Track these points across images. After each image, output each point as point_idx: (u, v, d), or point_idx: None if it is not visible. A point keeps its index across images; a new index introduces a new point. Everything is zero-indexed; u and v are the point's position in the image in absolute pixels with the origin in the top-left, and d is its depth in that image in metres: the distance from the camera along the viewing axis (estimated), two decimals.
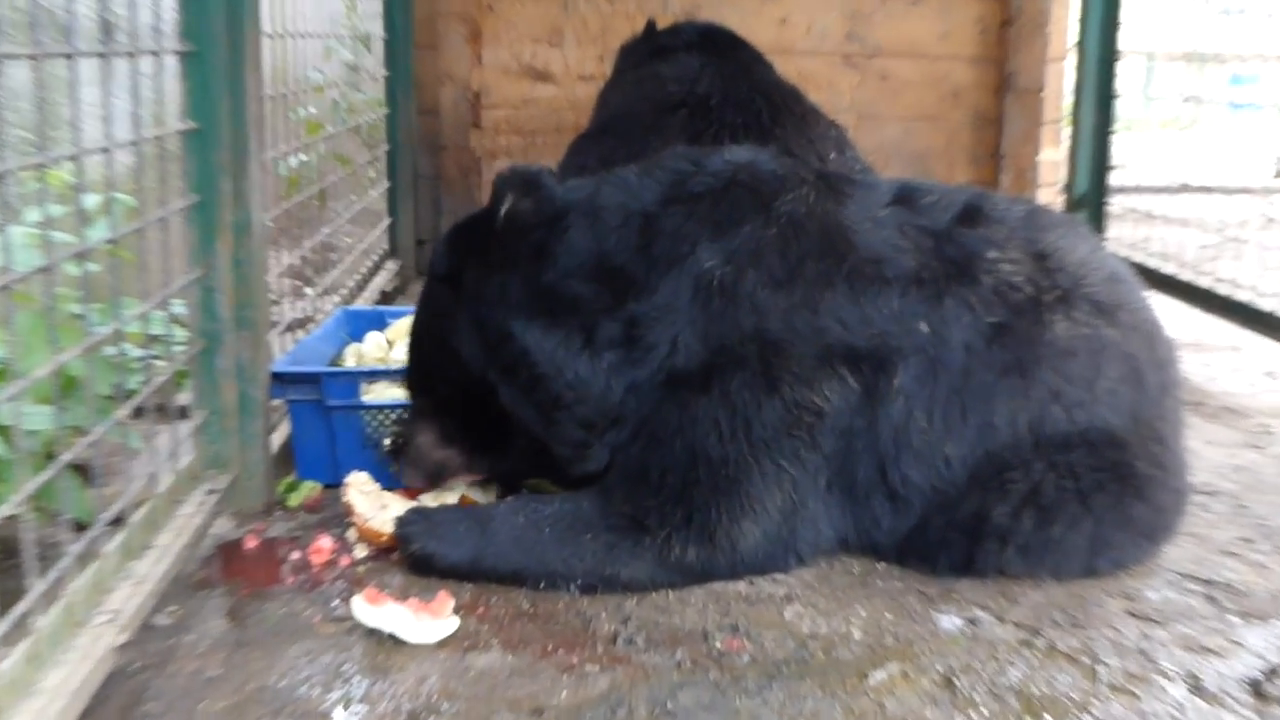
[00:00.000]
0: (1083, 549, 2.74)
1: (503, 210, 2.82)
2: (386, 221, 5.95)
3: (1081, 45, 5.92)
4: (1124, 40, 5.79)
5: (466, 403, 2.92)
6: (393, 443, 3.11)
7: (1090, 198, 5.90)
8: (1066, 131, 6.21)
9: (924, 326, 2.72)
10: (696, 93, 4.49)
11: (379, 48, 5.81)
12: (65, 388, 2.91)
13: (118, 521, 2.43)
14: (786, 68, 5.23)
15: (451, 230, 2.99)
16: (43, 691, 1.96)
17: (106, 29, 2.45)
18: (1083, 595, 2.70)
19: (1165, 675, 2.37)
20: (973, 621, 2.58)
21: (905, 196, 2.90)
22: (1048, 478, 2.70)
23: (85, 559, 2.24)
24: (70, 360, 2.18)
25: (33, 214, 3.31)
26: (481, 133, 6.29)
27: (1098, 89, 5.84)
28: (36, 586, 2.01)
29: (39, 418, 2.75)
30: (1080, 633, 2.53)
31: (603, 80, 5.20)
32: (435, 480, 3.01)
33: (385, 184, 5.90)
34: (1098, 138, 5.87)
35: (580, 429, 2.79)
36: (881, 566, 2.82)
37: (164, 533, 2.60)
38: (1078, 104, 5.94)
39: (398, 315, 3.90)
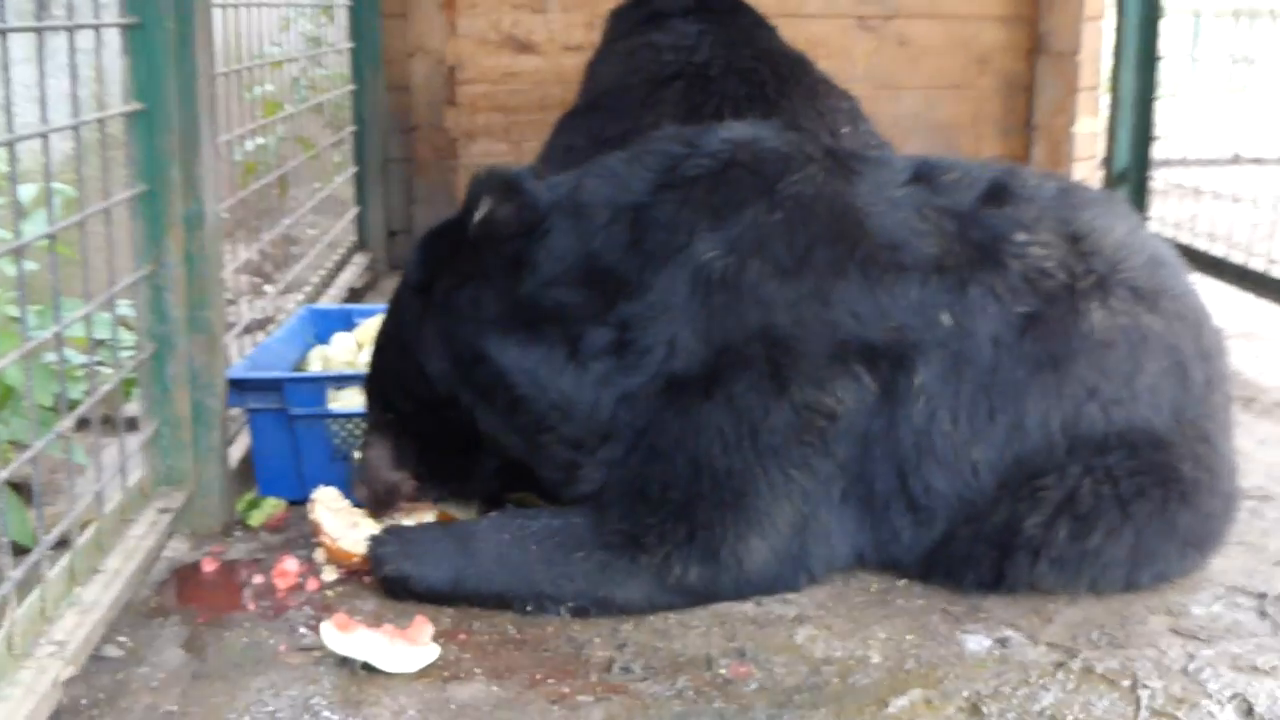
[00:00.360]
0: (1123, 561, 2.77)
1: (477, 216, 2.84)
2: (354, 210, 5.98)
3: (1121, 2, 5.94)
4: None
5: (428, 422, 2.95)
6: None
7: (1131, 172, 5.92)
8: (1105, 99, 6.23)
9: (946, 318, 2.75)
10: (694, 62, 4.52)
11: (343, 17, 5.84)
12: (1, 398, 2.95)
13: (62, 544, 2.46)
14: (794, 33, 5.25)
15: (425, 236, 3.01)
16: None
17: (41, 1, 2.47)
18: (1123, 612, 2.73)
19: (1213, 698, 2.40)
20: (1002, 642, 2.61)
21: (924, 174, 2.93)
22: (1084, 483, 2.73)
23: (27, 585, 2.26)
24: (6, 367, 2.20)
25: None
26: (458, 110, 6.30)
27: (1139, 51, 5.86)
28: None
29: None
30: (1120, 653, 2.56)
31: (591, 50, 5.23)
32: (384, 504, 3.01)
33: (352, 169, 5.93)
34: (1139, 106, 5.89)
35: (568, 449, 2.82)
36: (902, 583, 2.85)
37: (113, 556, 2.63)
38: (1117, 68, 5.96)
39: (367, 314, 3.92)
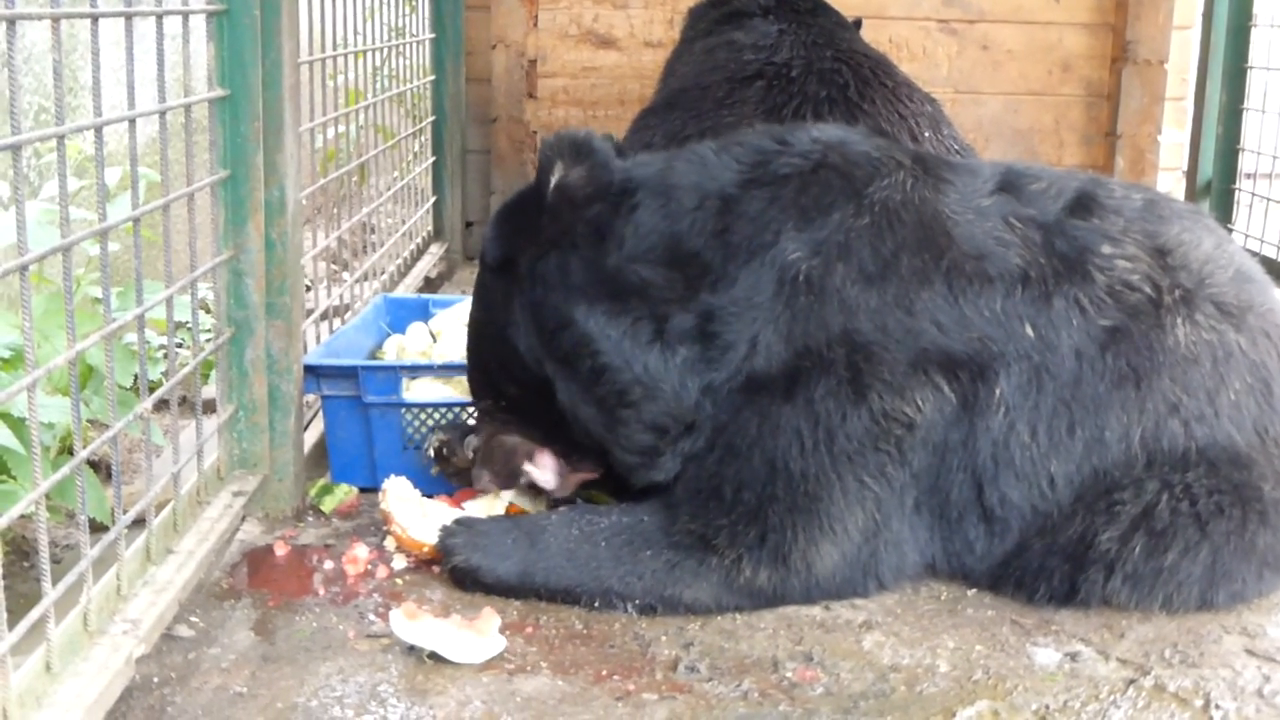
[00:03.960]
0: (1199, 579, 2.73)
1: (553, 181, 2.85)
2: (431, 200, 6.02)
3: (1209, 12, 5.87)
4: (1259, 6, 5.73)
5: (537, 404, 2.95)
6: (436, 450, 3.13)
7: (1217, 184, 5.85)
8: (1191, 109, 6.17)
9: (1029, 330, 2.73)
10: (775, 62, 4.51)
11: (425, 8, 5.87)
12: (83, 378, 2.99)
13: (138, 523, 2.49)
14: (876, 35, 5.23)
15: (499, 212, 3.02)
16: (56, 705, 2.02)
17: None
18: (1197, 630, 2.70)
19: None
20: (1073, 656, 2.59)
21: (1011, 183, 2.91)
22: (1161, 499, 2.70)
23: (103, 563, 2.29)
24: (88, 348, 2.23)
25: (49, 188, 3.40)
26: (537, 103, 6.34)
27: (1227, 61, 5.79)
28: (51, 592, 2.07)
29: (54, 410, 2.83)
30: (1193, 672, 2.53)
31: (672, 47, 5.23)
32: (513, 481, 3.03)
33: (430, 159, 5.97)
34: (1227, 117, 5.82)
35: (648, 432, 2.82)
36: (972, 593, 2.83)
37: (187, 537, 2.66)
38: (1203, 78, 5.90)
39: (443, 304, 3.94)
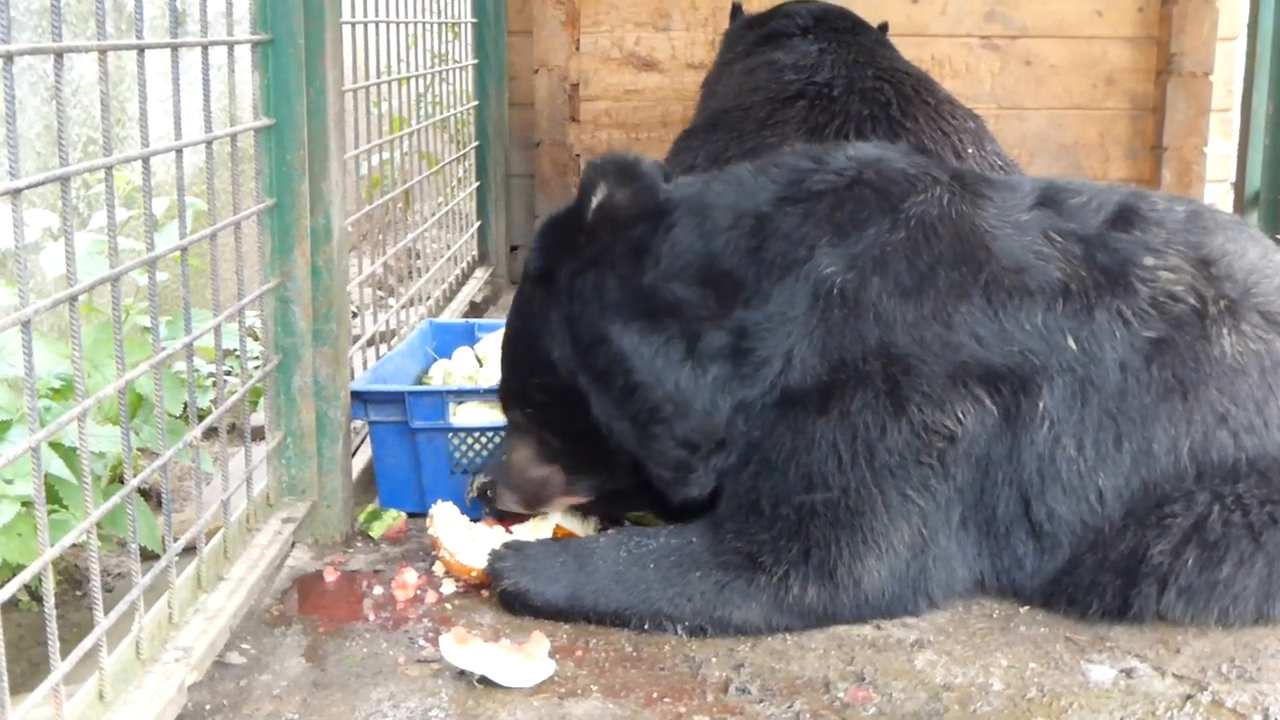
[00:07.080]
0: (1254, 592, 2.70)
1: (594, 202, 2.86)
2: (476, 225, 6.04)
3: (1254, 23, 5.83)
4: None
5: (564, 414, 2.96)
6: (480, 487, 3.13)
7: (1265, 195, 5.80)
8: (1237, 121, 6.12)
9: (1071, 343, 2.72)
10: (816, 81, 4.51)
11: (467, 34, 5.90)
12: (133, 406, 3.01)
13: (189, 551, 2.50)
14: (918, 52, 5.21)
15: (543, 224, 3.04)
16: None
17: (176, 18, 2.52)
18: (1254, 645, 2.67)
19: None
20: (1128, 673, 2.56)
21: (1051, 198, 2.90)
22: (1213, 511, 2.67)
23: (154, 591, 2.30)
24: (138, 377, 2.25)
25: (98, 219, 3.43)
26: (580, 127, 6.35)
27: (1273, 72, 5.75)
28: (103, 620, 2.08)
29: (105, 439, 2.85)
30: (1251, 687, 2.50)
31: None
32: (534, 503, 3.04)
33: (474, 184, 5.99)
34: (1274, 127, 5.77)
35: (680, 448, 2.82)
36: (1024, 610, 2.81)
37: (238, 564, 2.67)
38: (1249, 90, 5.85)
39: (489, 329, 3.94)
